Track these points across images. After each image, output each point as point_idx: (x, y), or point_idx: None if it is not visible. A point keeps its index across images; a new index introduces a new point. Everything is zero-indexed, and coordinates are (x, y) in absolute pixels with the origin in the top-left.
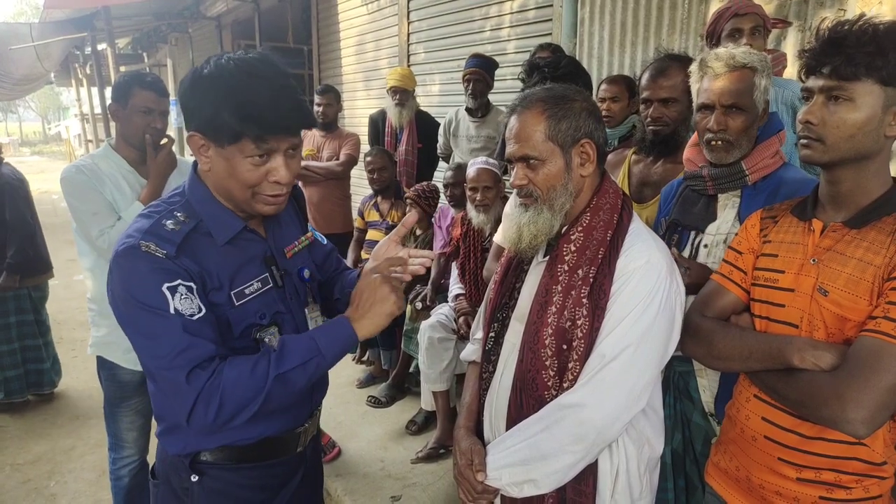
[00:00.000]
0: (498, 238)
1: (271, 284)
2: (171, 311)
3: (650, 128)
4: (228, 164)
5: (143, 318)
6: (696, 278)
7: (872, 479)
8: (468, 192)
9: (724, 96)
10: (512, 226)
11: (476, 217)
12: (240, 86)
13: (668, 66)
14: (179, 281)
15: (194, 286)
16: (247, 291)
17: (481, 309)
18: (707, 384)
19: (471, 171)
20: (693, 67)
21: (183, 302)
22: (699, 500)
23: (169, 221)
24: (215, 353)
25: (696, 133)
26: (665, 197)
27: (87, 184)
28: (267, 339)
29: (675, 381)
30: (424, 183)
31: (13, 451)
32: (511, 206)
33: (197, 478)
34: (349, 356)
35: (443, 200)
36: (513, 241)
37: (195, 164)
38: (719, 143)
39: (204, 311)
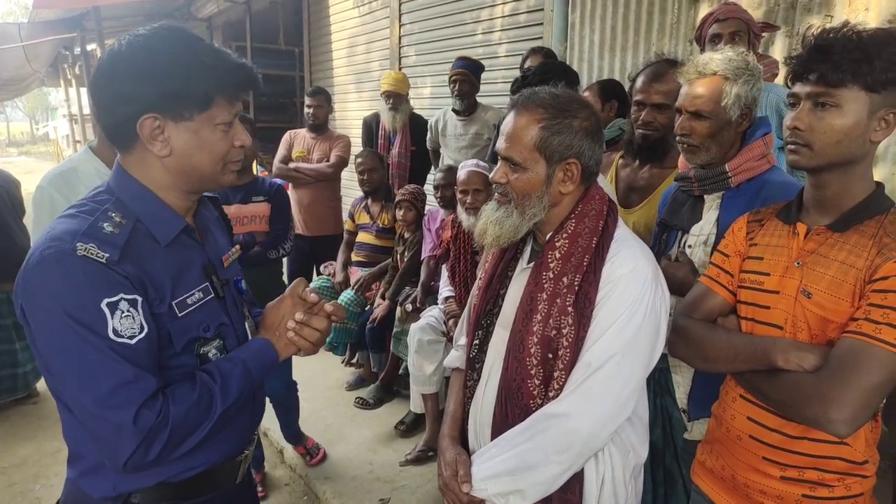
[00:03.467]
0: None
1: (212, 295)
2: (110, 333)
3: (639, 131)
4: (197, 137)
5: (75, 341)
6: (682, 276)
7: (854, 478)
8: (458, 195)
9: (688, 102)
10: (481, 217)
11: (466, 220)
12: (196, 51)
13: (665, 71)
14: (121, 295)
15: (138, 298)
16: (189, 301)
17: (464, 314)
18: (681, 381)
19: (461, 174)
20: None
21: (123, 321)
22: (679, 492)
23: (106, 224)
24: (157, 386)
25: None
26: (663, 199)
27: (50, 206)
28: (211, 354)
29: (656, 377)
30: (412, 186)
31: None
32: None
33: None
34: (338, 358)
35: (431, 203)
36: (477, 233)
37: (118, 161)
38: (685, 145)
39: (146, 330)
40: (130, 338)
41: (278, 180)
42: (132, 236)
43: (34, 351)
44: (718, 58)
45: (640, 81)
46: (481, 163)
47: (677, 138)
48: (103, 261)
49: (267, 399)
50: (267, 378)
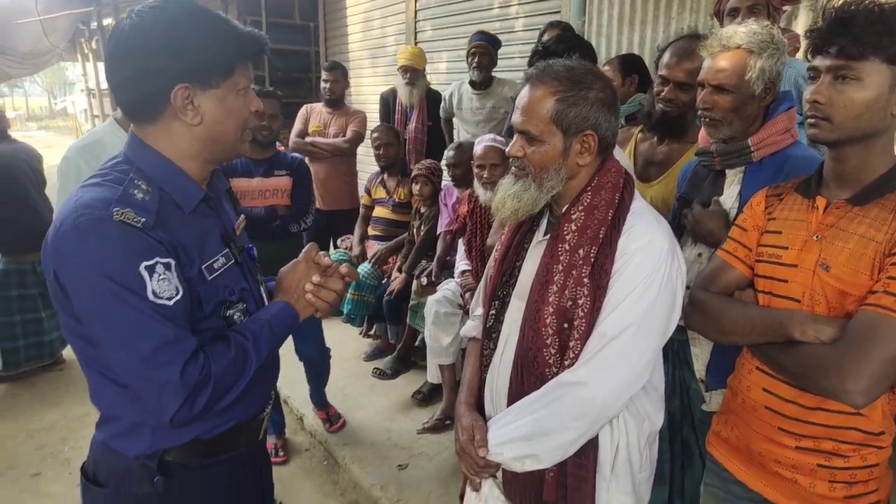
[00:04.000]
0: None
1: (233, 261)
2: (150, 295)
3: (659, 106)
4: (224, 104)
5: (117, 304)
6: (714, 227)
7: (870, 449)
8: (475, 170)
9: (711, 75)
10: (498, 191)
11: (483, 194)
12: (213, 20)
13: (693, 48)
14: (157, 258)
15: (172, 262)
16: (215, 266)
17: (481, 285)
18: (700, 353)
19: (478, 149)
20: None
21: (160, 284)
22: (697, 464)
23: (135, 191)
24: (197, 345)
25: None
26: (682, 174)
27: (76, 176)
28: (236, 317)
29: (675, 349)
30: (428, 160)
31: (27, 419)
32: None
33: (162, 480)
34: (356, 330)
35: (448, 177)
36: (495, 207)
37: (133, 131)
38: (707, 120)
39: (181, 292)
40: (168, 299)
41: (298, 155)
42: (161, 203)
43: (63, 317)
44: (743, 31)
45: (667, 56)
46: (498, 137)
47: (699, 112)
48: (139, 225)
49: (284, 368)
50: (303, 344)
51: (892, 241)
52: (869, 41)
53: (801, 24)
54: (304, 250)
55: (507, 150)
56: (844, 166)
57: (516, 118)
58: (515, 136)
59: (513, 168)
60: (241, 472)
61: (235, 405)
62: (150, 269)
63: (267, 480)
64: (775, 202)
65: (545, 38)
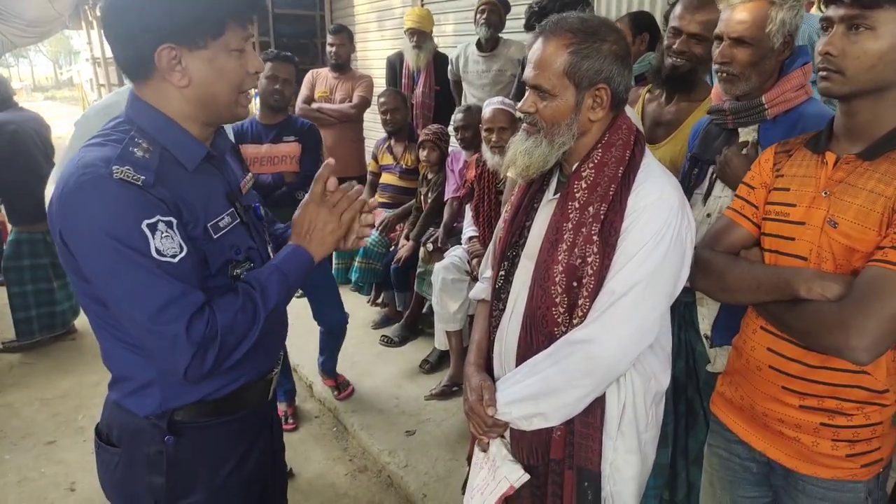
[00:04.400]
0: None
1: (238, 220)
2: (153, 252)
3: (669, 60)
4: (213, 66)
5: (122, 263)
6: (741, 173)
7: (874, 407)
8: (483, 133)
9: (731, 28)
10: (509, 149)
11: (491, 158)
12: None
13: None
14: (158, 217)
15: (174, 220)
16: (221, 225)
17: (490, 248)
18: (706, 312)
19: (486, 112)
20: None
21: (164, 241)
22: (701, 424)
23: (135, 149)
24: (204, 299)
25: None
26: (694, 133)
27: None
28: (244, 276)
29: (681, 311)
30: (435, 126)
31: (41, 387)
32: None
33: (172, 440)
34: (364, 298)
35: (455, 143)
36: (506, 164)
37: (132, 91)
38: (724, 75)
39: (185, 250)
40: (173, 256)
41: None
42: (161, 162)
43: (73, 278)
44: None
45: (679, 7)
46: (507, 100)
47: (716, 67)
48: (139, 183)
49: (293, 338)
50: (324, 311)
51: None
52: None
53: None
54: (310, 189)
55: (518, 106)
56: (855, 120)
57: (528, 73)
58: (527, 92)
59: (524, 124)
60: (251, 432)
61: (244, 363)
62: (153, 227)
63: (277, 441)
64: (784, 158)
65: None
